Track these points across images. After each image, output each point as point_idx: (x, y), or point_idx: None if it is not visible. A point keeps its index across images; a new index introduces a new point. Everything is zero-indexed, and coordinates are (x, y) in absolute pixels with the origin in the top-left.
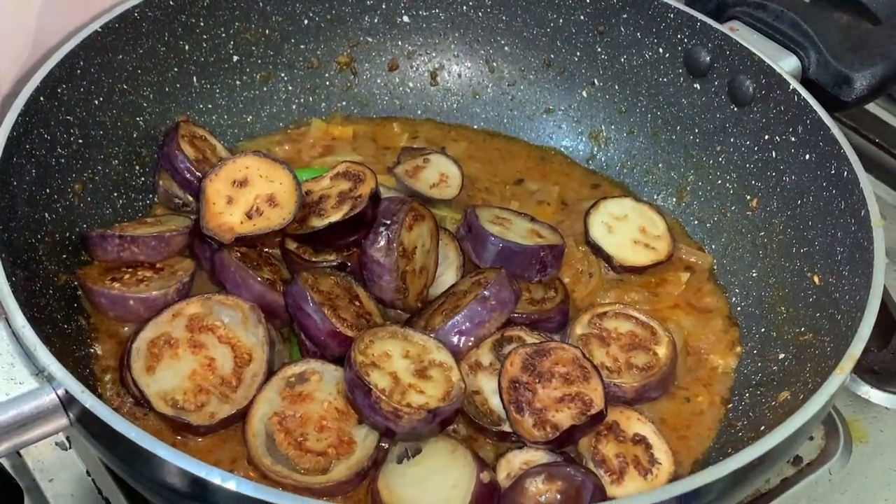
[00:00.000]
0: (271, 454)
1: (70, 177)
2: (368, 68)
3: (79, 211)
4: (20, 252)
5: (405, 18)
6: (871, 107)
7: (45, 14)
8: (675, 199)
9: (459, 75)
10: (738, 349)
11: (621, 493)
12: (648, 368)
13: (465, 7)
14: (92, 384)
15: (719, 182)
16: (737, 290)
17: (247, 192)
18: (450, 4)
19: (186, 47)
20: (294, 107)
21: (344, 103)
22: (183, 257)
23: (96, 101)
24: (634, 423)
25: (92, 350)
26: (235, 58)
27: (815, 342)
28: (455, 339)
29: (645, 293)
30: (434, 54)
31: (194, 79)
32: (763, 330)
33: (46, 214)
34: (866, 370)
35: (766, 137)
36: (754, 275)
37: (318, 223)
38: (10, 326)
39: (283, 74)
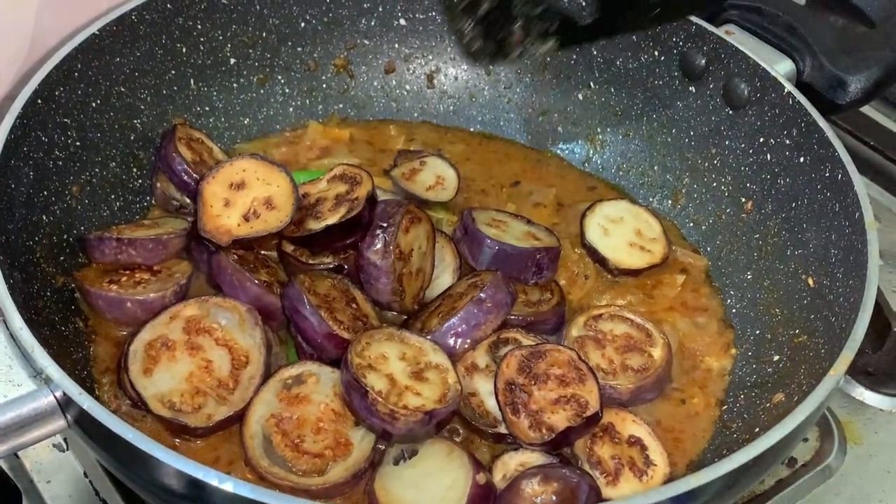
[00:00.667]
0: (268, 456)
1: (68, 179)
2: (365, 71)
3: (76, 213)
4: (18, 254)
5: (402, 21)
6: (866, 109)
7: (42, 16)
8: (670, 202)
9: (456, 78)
10: (733, 351)
11: (616, 494)
12: (643, 370)
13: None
14: (90, 386)
15: (714, 185)
16: (732, 293)
17: (244, 195)
18: None
19: (184, 50)
20: (291, 109)
21: (341, 106)
22: (180, 260)
23: (94, 104)
24: (630, 425)
25: (90, 352)
26: (233, 60)
27: (809, 344)
28: (451, 341)
29: (640, 295)
30: (430, 57)
31: (192, 81)
32: (758, 332)
33: (44, 217)
34: (861, 372)
35: (761, 140)
36: (749, 277)
37: (314, 226)
38: (7, 329)
39: (280, 77)
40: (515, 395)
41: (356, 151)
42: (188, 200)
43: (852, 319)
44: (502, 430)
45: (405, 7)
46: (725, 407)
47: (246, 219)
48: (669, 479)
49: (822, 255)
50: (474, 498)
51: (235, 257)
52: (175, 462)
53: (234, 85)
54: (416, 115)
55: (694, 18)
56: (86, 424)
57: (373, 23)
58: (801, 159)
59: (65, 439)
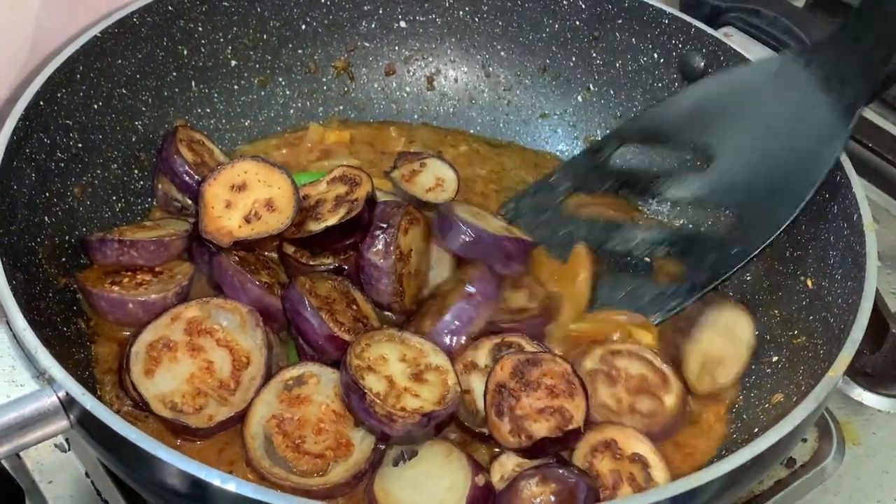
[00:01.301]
0: (269, 456)
1: (69, 181)
2: (365, 73)
3: (78, 214)
4: (20, 255)
5: (402, 24)
6: (865, 111)
7: (43, 19)
8: (669, 204)
9: (456, 80)
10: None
11: None
12: (652, 416)
13: (461, 12)
14: (92, 386)
15: None
16: (731, 294)
17: (245, 197)
18: (446, 10)
19: (185, 52)
20: (292, 111)
21: (341, 108)
22: (182, 261)
23: (95, 106)
24: (633, 442)
25: (92, 353)
26: (234, 62)
27: (808, 345)
28: (447, 340)
29: None
30: (431, 59)
31: (193, 83)
32: (757, 333)
33: (46, 218)
34: (859, 373)
35: None
36: (748, 278)
37: (314, 227)
38: (10, 329)
39: (280, 79)
40: (503, 398)
41: (356, 153)
42: (189, 202)
43: (851, 320)
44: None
45: (405, 9)
46: (732, 413)
47: (247, 220)
48: None
49: (821, 256)
50: (473, 499)
51: (236, 259)
52: (177, 462)
53: (235, 87)
54: (416, 117)
55: (693, 21)
56: (88, 425)
57: (373, 25)
58: None
59: (66, 440)
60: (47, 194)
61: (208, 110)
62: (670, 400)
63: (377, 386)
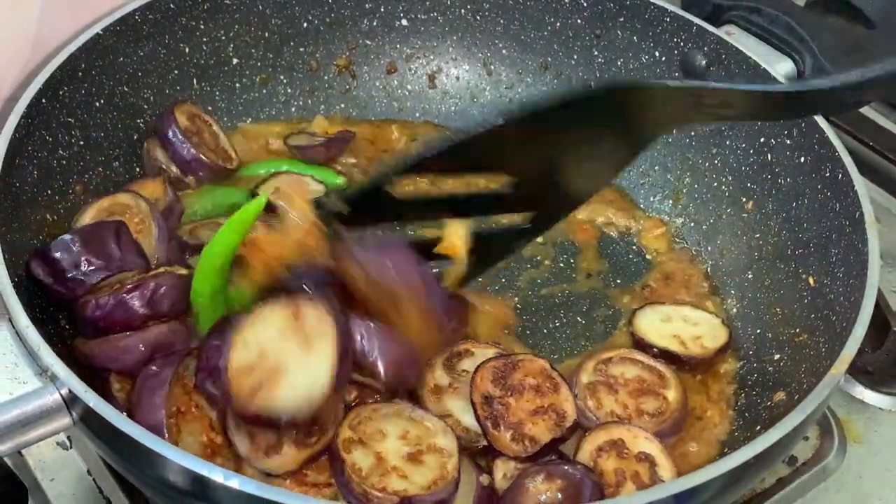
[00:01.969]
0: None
1: (71, 178)
2: (367, 71)
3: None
4: (23, 252)
5: (403, 22)
6: (866, 110)
7: (45, 17)
8: (671, 202)
9: (457, 78)
10: (735, 356)
11: None
12: (659, 414)
13: (463, 10)
14: (94, 383)
15: (715, 185)
16: (732, 292)
17: None
18: (448, 8)
19: (187, 50)
20: (293, 109)
21: (342, 106)
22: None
23: (97, 103)
24: (641, 442)
25: None
26: (235, 60)
27: (810, 343)
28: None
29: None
30: (432, 57)
31: (194, 81)
32: (759, 331)
33: (48, 215)
34: (861, 371)
35: (762, 140)
36: (750, 276)
37: None
38: (13, 327)
39: (282, 77)
40: (493, 408)
41: (357, 151)
42: (175, 169)
43: (853, 318)
44: (484, 442)
45: (407, 7)
46: (736, 407)
47: None
48: None
49: (823, 254)
50: (480, 500)
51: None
52: (180, 459)
53: (237, 85)
54: (417, 115)
55: (694, 19)
56: (91, 422)
57: (375, 23)
58: (802, 159)
59: (69, 437)
60: (49, 192)
61: (210, 108)
62: (672, 394)
63: (362, 461)
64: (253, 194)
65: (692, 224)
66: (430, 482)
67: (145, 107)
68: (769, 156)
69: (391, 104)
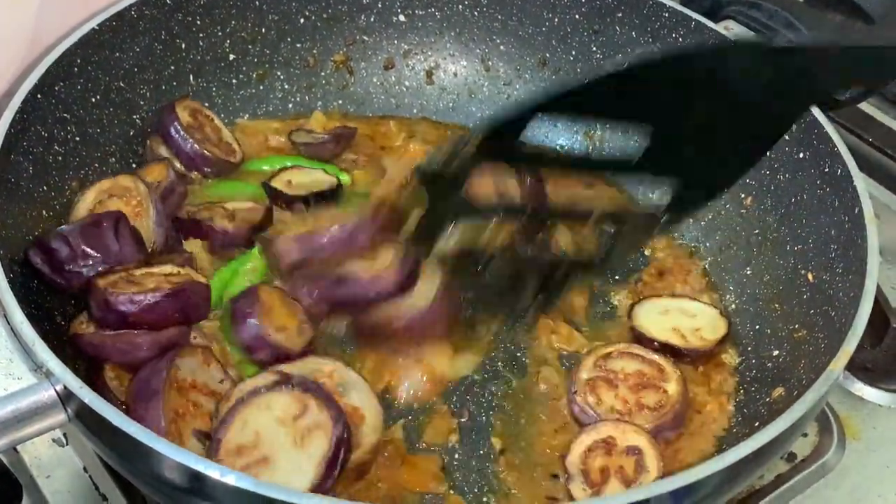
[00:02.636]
0: None
1: (67, 174)
2: (364, 67)
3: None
4: (18, 249)
5: (401, 17)
6: (865, 106)
7: (42, 12)
8: (669, 198)
9: (455, 74)
10: (734, 352)
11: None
12: (660, 407)
13: (460, 6)
14: (90, 380)
15: None
16: (731, 288)
17: None
18: (445, 3)
19: (183, 46)
20: (290, 105)
21: (340, 102)
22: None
23: (93, 99)
24: (630, 436)
25: None
26: (232, 56)
27: (809, 339)
28: None
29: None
30: (430, 53)
31: (191, 77)
32: (757, 327)
33: (44, 211)
34: (860, 367)
35: None
36: (749, 272)
37: None
38: (8, 323)
39: (279, 73)
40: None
41: (356, 147)
42: (179, 165)
43: (852, 314)
44: None
45: (404, 3)
46: (736, 402)
47: None
48: None
49: (822, 250)
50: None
51: None
52: (176, 455)
53: (234, 81)
54: (415, 111)
55: (693, 14)
56: (86, 418)
57: (372, 19)
58: (801, 154)
59: (64, 434)
60: (45, 187)
61: (206, 104)
62: (672, 387)
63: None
64: (265, 186)
65: (691, 220)
66: None
67: (141, 103)
68: (768, 151)
69: (388, 100)
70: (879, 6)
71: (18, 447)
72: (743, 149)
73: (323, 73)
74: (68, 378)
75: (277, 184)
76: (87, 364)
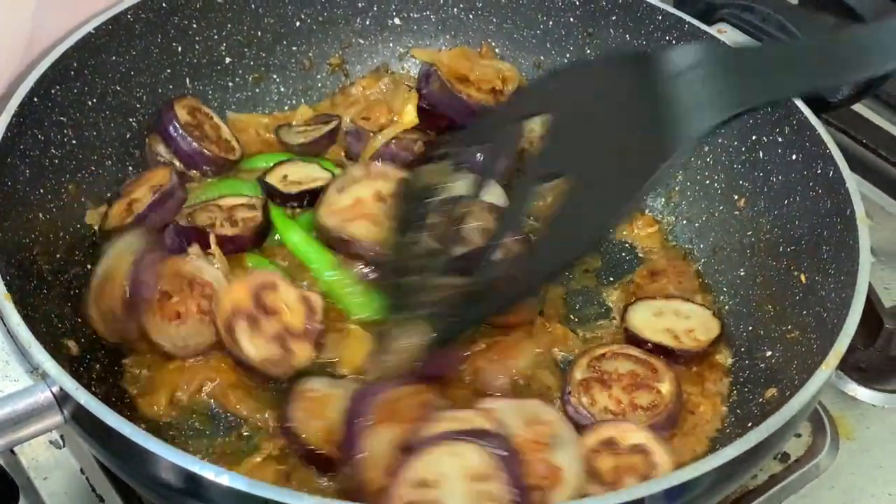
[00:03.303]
0: None
1: (64, 177)
2: (360, 70)
3: (73, 211)
4: (14, 251)
5: (396, 21)
6: (858, 107)
7: (38, 16)
8: (663, 200)
9: None
10: (727, 353)
11: None
12: (654, 407)
13: (455, 9)
14: (86, 381)
15: (707, 182)
16: (724, 290)
17: None
18: (441, 7)
19: (179, 49)
20: (286, 108)
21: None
22: None
23: (90, 103)
24: (631, 435)
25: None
26: (228, 59)
27: (801, 339)
28: None
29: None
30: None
31: (187, 80)
32: (750, 328)
33: (41, 214)
34: (853, 368)
35: (754, 138)
36: (742, 274)
37: None
38: (4, 325)
39: (275, 76)
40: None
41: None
42: (178, 164)
43: (843, 315)
44: None
45: (400, 6)
46: (730, 402)
47: None
48: None
49: (814, 251)
50: None
51: None
52: (171, 456)
53: (230, 84)
54: None
55: (686, 17)
56: (82, 419)
57: (367, 22)
58: (793, 157)
59: (61, 436)
60: (41, 191)
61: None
62: (665, 387)
63: None
64: (261, 182)
65: (684, 221)
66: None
67: (138, 106)
68: (761, 153)
69: None
70: (872, 9)
71: (15, 449)
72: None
73: (319, 76)
74: (64, 380)
75: (272, 179)
76: (84, 366)
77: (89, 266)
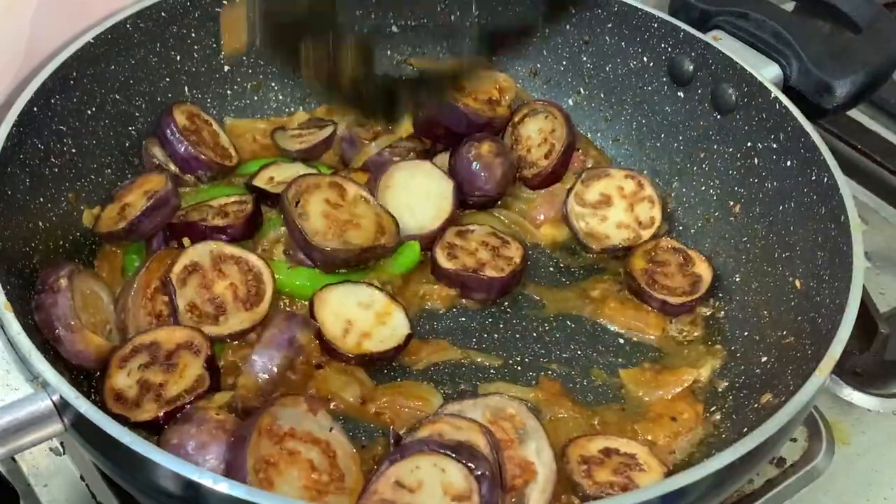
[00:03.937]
0: None
1: (63, 186)
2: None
3: (73, 219)
4: (15, 260)
5: (394, 28)
6: (854, 113)
7: (37, 25)
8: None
9: None
10: (715, 361)
11: None
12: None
13: (452, 17)
14: (86, 390)
15: (703, 188)
16: (720, 295)
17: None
18: (438, 15)
19: (178, 58)
20: (285, 116)
21: None
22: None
23: (89, 111)
24: (624, 446)
25: None
26: (226, 68)
27: (796, 345)
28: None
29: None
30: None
31: (186, 89)
32: (746, 334)
33: (40, 223)
34: (848, 373)
35: (749, 144)
36: (737, 279)
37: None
38: (5, 334)
39: (273, 84)
40: None
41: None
42: (174, 167)
43: (838, 321)
44: None
45: (398, 15)
46: (714, 408)
47: None
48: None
49: (809, 257)
50: None
51: None
52: (170, 464)
53: (229, 92)
54: None
55: (681, 24)
56: (82, 428)
57: (366, 30)
58: (788, 163)
59: (61, 443)
60: (41, 199)
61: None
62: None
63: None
64: (248, 186)
65: (680, 227)
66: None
67: (137, 114)
68: (756, 160)
69: None
70: (866, 16)
71: (16, 456)
72: None
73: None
74: (64, 388)
75: (260, 182)
76: (83, 374)
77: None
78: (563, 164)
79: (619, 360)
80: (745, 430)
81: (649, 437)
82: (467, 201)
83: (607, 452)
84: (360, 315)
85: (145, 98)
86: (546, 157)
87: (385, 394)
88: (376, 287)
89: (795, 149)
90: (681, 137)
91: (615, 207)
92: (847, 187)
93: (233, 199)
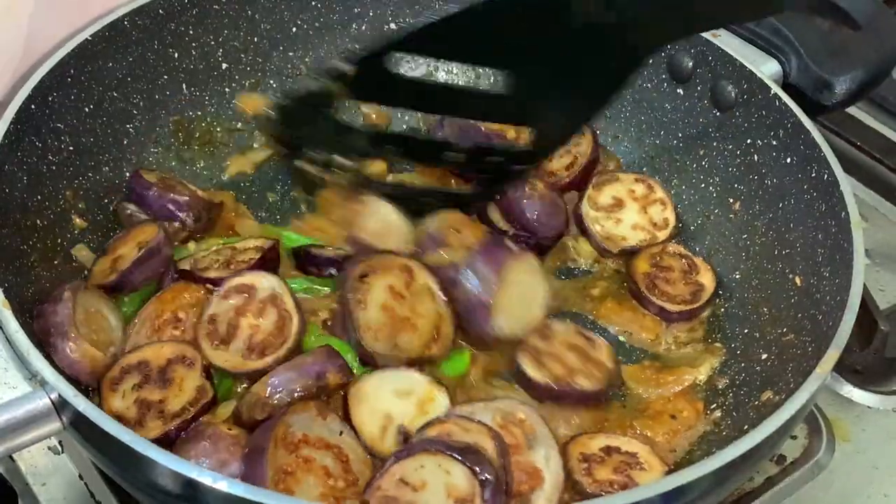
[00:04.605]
0: None
1: (61, 183)
2: None
3: (70, 217)
4: (13, 258)
5: (392, 26)
6: (853, 110)
7: (35, 22)
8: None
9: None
10: (715, 359)
11: None
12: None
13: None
14: (84, 388)
15: (702, 186)
16: (720, 292)
17: None
18: (436, 12)
19: (176, 55)
20: None
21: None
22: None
23: (87, 109)
24: (625, 444)
25: None
26: (224, 65)
27: (797, 342)
28: None
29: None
30: (420, 60)
31: (184, 86)
32: (746, 331)
33: (38, 220)
34: (849, 370)
35: (748, 141)
36: (737, 277)
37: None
38: (3, 332)
39: (271, 81)
40: None
41: None
42: (143, 216)
43: (838, 318)
44: None
45: (395, 12)
46: (714, 405)
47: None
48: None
49: (809, 254)
50: None
51: None
52: (169, 462)
53: (227, 89)
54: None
55: None
56: (81, 426)
57: (363, 27)
58: (788, 160)
59: (60, 442)
60: (39, 197)
61: (199, 113)
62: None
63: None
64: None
65: (680, 225)
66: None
67: (135, 112)
68: (756, 157)
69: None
70: (866, 13)
71: (14, 455)
72: (592, 89)
73: None
74: (62, 386)
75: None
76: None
77: (86, 272)
78: (582, 179)
79: (620, 357)
80: (746, 427)
81: (649, 434)
82: (528, 242)
83: (608, 451)
84: (398, 408)
85: (143, 95)
86: (567, 168)
87: None
88: (415, 369)
89: (795, 145)
90: (680, 135)
91: (628, 209)
92: (847, 184)
93: (257, 243)
